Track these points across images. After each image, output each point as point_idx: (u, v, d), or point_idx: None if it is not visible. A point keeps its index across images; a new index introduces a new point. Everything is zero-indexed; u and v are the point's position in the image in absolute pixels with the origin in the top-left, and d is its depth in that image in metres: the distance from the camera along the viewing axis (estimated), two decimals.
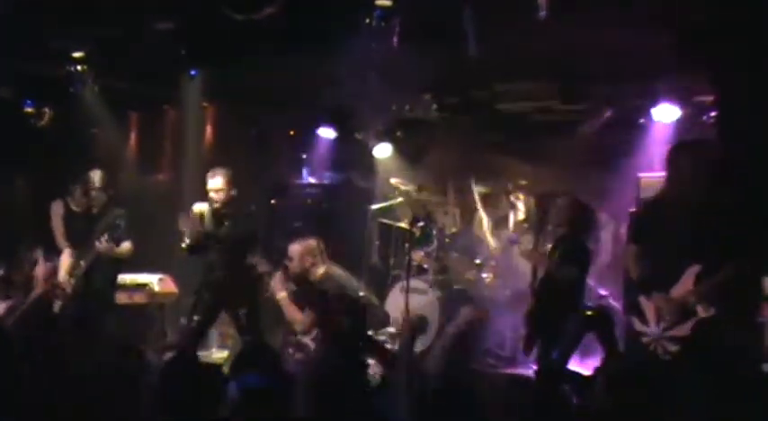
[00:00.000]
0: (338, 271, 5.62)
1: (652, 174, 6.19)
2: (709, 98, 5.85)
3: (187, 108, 7.66)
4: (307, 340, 5.42)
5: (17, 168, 7.53)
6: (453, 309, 6.59)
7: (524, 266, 6.07)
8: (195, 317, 5.89)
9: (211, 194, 5.79)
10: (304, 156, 8.33)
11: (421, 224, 6.90)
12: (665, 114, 6.49)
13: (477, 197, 6.83)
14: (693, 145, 4.40)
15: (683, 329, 3.93)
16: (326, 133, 7.92)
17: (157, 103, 7.92)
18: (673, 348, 3.94)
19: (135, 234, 6.34)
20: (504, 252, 6.88)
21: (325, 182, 8.35)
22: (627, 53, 5.73)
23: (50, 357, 3.48)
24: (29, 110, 7.07)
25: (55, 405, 2.83)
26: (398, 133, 7.83)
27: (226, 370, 3.40)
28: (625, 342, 4.93)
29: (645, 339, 4.07)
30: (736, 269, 3.85)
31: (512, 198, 6.65)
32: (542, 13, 4.85)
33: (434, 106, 7.49)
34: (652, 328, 4.04)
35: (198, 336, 6.08)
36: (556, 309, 5.01)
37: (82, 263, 6.06)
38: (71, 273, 6.09)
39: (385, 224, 7.48)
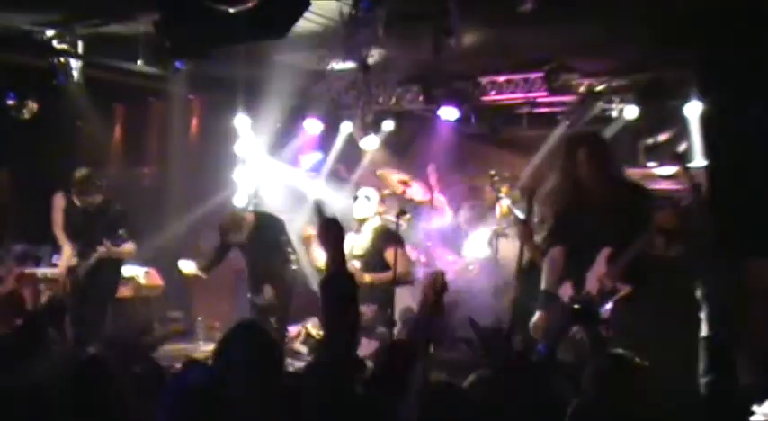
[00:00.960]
0: None
1: (636, 167, 6.26)
2: (693, 90, 5.90)
3: (173, 100, 7.63)
4: (299, 346, 5.47)
5: (1, 162, 7.47)
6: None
7: (510, 257, 6.09)
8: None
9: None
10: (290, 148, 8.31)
11: (407, 216, 6.91)
12: (649, 106, 6.53)
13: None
14: (584, 135, 4.48)
15: (603, 312, 4.01)
16: (313, 125, 7.91)
17: (143, 96, 7.87)
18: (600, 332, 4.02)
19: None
20: (489, 243, 6.91)
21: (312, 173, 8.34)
22: (612, 45, 5.77)
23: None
24: (11, 102, 7.00)
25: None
26: (385, 125, 7.84)
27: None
28: None
29: (573, 329, 4.14)
30: (642, 244, 3.94)
31: (497, 189, 6.66)
32: (527, 5, 4.86)
33: (421, 98, 7.50)
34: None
35: None
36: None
37: (84, 262, 6.04)
38: (71, 270, 6.08)
39: None
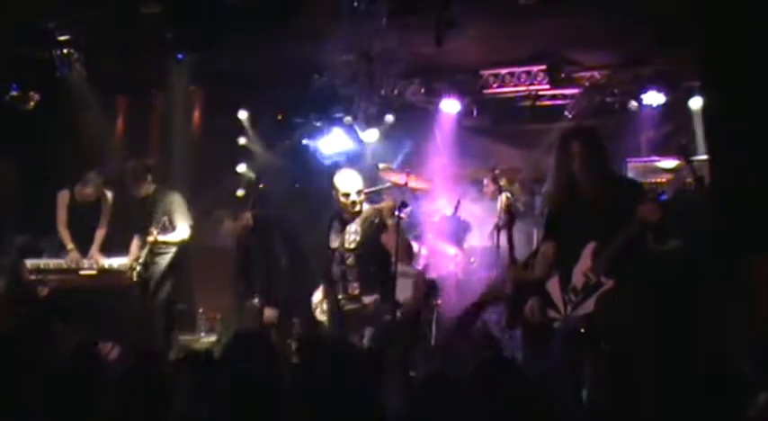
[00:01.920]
0: None
1: (639, 159, 6.25)
2: (696, 83, 5.90)
3: (174, 92, 7.63)
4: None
5: (2, 153, 7.48)
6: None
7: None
8: None
9: None
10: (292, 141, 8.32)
11: (408, 209, 6.91)
12: (652, 99, 6.53)
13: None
14: (578, 129, 4.48)
15: (588, 306, 4.02)
16: (314, 118, 7.91)
17: (145, 87, 7.87)
18: (582, 327, 4.03)
19: (123, 218, 6.37)
20: (490, 236, 6.92)
21: (313, 166, 8.34)
22: (614, 38, 5.76)
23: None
24: (14, 94, 7.01)
25: None
26: (387, 118, 7.84)
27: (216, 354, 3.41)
28: None
29: (556, 325, 4.15)
30: (626, 237, 3.95)
31: (498, 183, 6.66)
32: None
33: (422, 90, 7.50)
34: (562, 312, 4.13)
35: None
36: None
37: (143, 252, 6.09)
38: (136, 261, 6.14)
39: None
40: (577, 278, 4.11)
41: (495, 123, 7.63)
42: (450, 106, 7.31)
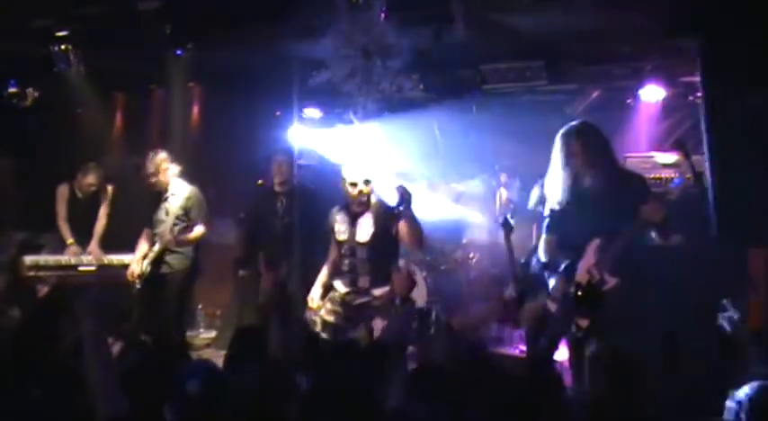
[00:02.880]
0: None
1: (638, 155, 6.25)
2: (695, 78, 5.88)
3: (173, 88, 7.62)
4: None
5: (1, 149, 7.47)
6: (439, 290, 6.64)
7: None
8: None
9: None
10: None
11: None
12: (651, 95, 6.53)
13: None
14: (578, 126, 4.50)
15: (591, 303, 4.04)
16: (313, 113, 7.91)
17: (143, 83, 7.87)
18: (584, 324, 4.04)
19: (123, 214, 6.36)
20: (490, 232, 6.93)
21: (313, 163, 8.33)
22: (613, 33, 5.75)
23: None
24: (12, 90, 7.01)
25: None
26: (386, 114, 7.82)
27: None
28: None
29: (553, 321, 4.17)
30: (630, 235, 3.95)
31: (498, 178, 6.67)
32: None
33: (421, 86, 7.49)
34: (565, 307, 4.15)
35: None
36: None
37: (154, 248, 5.98)
38: (145, 258, 6.02)
39: None
40: (581, 274, 4.12)
41: (493, 119, 7.62)
42: (449, 102, 7.30)
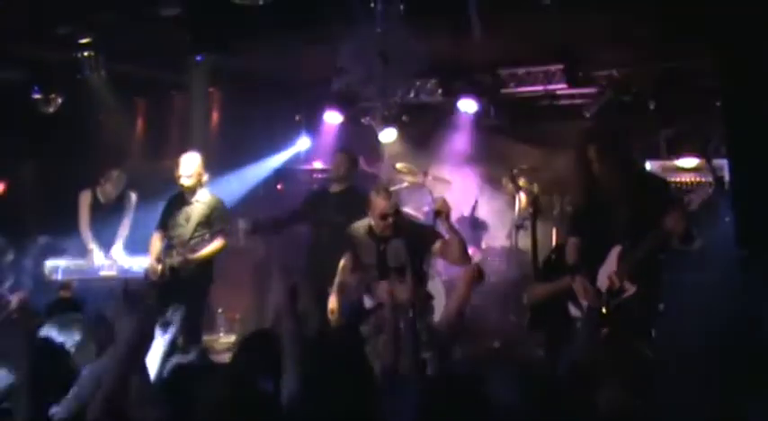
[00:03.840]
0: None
1: (658, 159, 6.22)
2: (715, 82, 5.84)
3: (194, 93, 7.69)
4: None
5: (25, 155, 7.58)
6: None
7: (529, 250, 6.09)
8: None
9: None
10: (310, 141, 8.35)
11: (425, 209, 6.93)
12: (670, 98, 6.49)
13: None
14: (596, 131, 4.46)
15: (610, 309, 4.01)
16: (332, 118, 7.94)
17: (164, 89, 7.94)
18: (603, 330, 4.02)
19: (145, 219, 6.41)
20: (509, 236, 6.91)
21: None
22: (631, 37, 5.72)
23: None
24: (36, 96, 7.10)
25: None
26: (404, 118, 7.84)
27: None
28: None
29: (578, 324, 4.14)
30: (652, 243, 3.92)
31: (517, 182, 6.65)
32: None
33: (440, 91, 7.50)
34: (585, 312, 4.13)
35: None
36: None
37: (174, 254, 5.82)
38: (159, 260, 5.90)
39: None
40: (602, 280, 4.10)
41: (512, 123, 7.60)
42: (467, 106, 7.31)
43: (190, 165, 5.90)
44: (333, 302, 5.09)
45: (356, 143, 7.99)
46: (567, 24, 5.59)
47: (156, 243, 6.04)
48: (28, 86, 7.16)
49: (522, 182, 6.59)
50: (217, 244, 5.93)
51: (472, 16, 5.28)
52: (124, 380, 2.61)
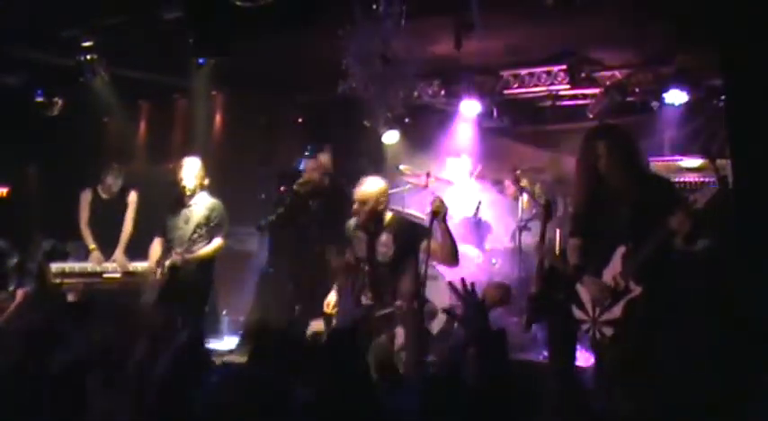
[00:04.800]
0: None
1: (661, 159, 6.20)
2: (719, 82, 5.83)
3: (196, 96, 7.70)
4: None
5: (28, 157, 7.60)
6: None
7: (533, 251, 6.07)
8: None
9: None
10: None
11: (428, 210, 6.89)
12: (675, 98, 6.48)
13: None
14: (603, 129, 4.42)
15: (615, 311, 3.99)
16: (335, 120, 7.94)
17: (167, 92, 7.95)
18: (608, 332, 3.99)
19: (147, 222, 6.41)
20: (512, 237, 6.89)
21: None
22: (635, 37, 5.72)
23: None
24: (39, 99, 7.12)
25: None
26: (407, 119, 7.84)
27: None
28: None
29: (584, 326, 4.12)
30: (657, 242, 3.90)
31: (520, 183, 6.63)
32: None
33: (442, 92, 7.50)
34: (589, 314, 4.10)
35: None
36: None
37: (174, 255, 5.82)
38: (159, 263, 5.91)
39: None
40: (607, 280, 4.08)
41: (515, 124, 7.60)
42: (469, 107, 7.30)
43: (191, 169, 5.93)
44: (331, 303, 5.13)
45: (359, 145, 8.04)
46: (569, 25, 5.58)
47: (157, 247, 6.06)
48: (31, 90, 7.18)
49: (525, 182, 6.57)
50: (216, 244, 5.95)
51: (474, 17, 5.28)
52: None
